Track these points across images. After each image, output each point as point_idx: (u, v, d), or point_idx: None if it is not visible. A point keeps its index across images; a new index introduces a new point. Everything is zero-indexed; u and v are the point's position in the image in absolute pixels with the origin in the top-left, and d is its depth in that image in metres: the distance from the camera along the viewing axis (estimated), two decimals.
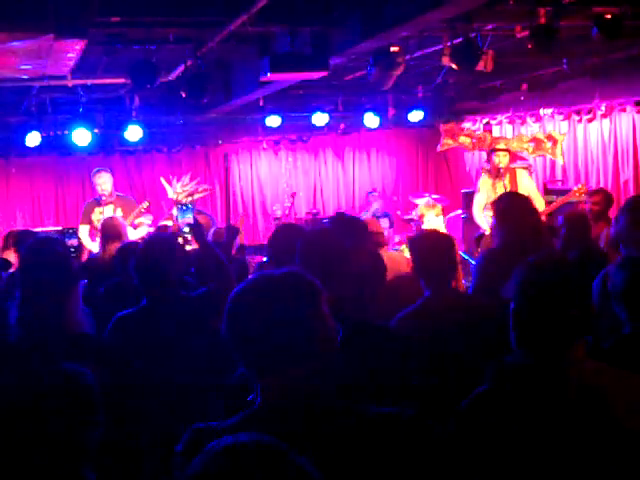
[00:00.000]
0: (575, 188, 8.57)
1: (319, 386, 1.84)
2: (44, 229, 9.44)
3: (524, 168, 9.57)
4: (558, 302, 2.15)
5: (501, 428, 2.12)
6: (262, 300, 1.85)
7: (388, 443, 1.79)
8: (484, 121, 12.23)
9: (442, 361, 3.33)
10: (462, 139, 10.56)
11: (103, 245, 6.22)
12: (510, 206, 4.65)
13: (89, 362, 2.96)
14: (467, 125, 12.57)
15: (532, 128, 11.19)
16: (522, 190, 8.56)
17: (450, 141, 10.68)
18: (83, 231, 8.52)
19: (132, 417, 3.30)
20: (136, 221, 8.50)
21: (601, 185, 10.07)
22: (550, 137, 10.04)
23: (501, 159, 8.73)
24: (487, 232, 8.50)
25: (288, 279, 1.90)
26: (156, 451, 3.21)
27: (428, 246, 3.82)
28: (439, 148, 10.93)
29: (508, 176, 8.74)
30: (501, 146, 9.05)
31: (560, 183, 10.34)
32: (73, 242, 6.49)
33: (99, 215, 8.29)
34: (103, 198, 8.74)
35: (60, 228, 9.63)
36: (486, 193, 8.80)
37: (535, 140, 10.13)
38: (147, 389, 3.42)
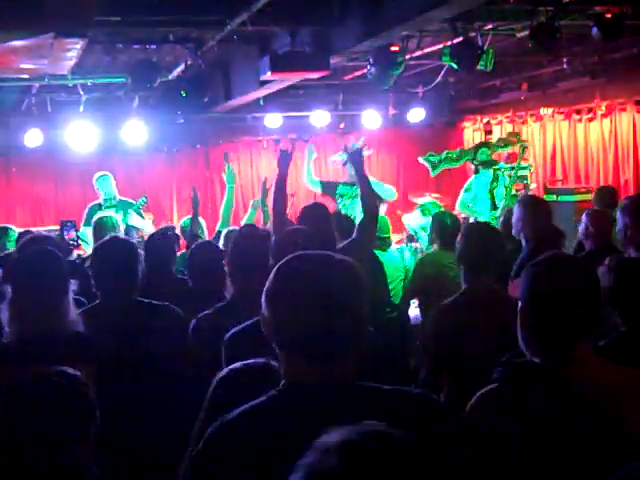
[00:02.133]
0: None
1: (344, 373, 1.81)
2: (45, 228, 9.44)
3: (522, 168, 9.69)
4: (567, 301, 2.15)
5: (508, 426, 2.12)
6: (311, 280, 1.79)
7: (405, 419, 1.77)
8: (484, 120, 12.23)
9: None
10: (444, 165, 10.77)
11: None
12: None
13: (84, 361, 2.97)
14: (468, 127, 12.59)
15: (532, 127, 11.20)
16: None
17: (436, 167, 10.91)
18: (86, 233, 8.54)
19: (130, 415, 3.30)
20: (138, 224, 8.55)
21: (601, 185, 10.08)
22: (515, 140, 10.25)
23: (482, 155, 9.06)
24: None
25: (343, 264, 1.85)
26: (157, 450, 3.21)
27: (475, 237, 3.79)
28: (432, 175, 11.11)
29: (492, 170, 8.99)
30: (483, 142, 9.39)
31: (560, 183, 10.35)
32: (71, 235, 6.50)
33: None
34: (106, 202, 8.79)
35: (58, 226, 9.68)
36: (474, 192, 9.09)
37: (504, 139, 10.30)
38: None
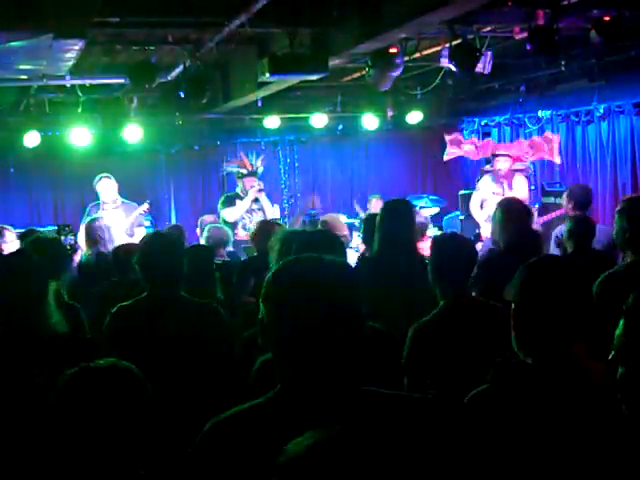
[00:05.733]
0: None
1: (340, 376, 1.79)
2: (43, 229, 9.42)
3: (521, 170, 9.71)
4: (558, 303, 2.16)
5: (499, 428, 2.12)
6: (306, 283, 1.77)
7: (404, 423, 1.77)
8: (482, 122, 12.23)
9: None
10: (467, 147, 10.83)
11: (89, 247, 6.30)
12: (512, 210, 4.89)
13: (66, 364, 2.97)
14: (466, 129, 12.60)
15: (530, 130, 11.20)
16: (516, 193, 8.81)
17: (456, 149, 10.98)
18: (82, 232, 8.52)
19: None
20: (136, 228, 8.54)
21: (599, 188, 10.09)
22: (546, 138, 10.18)
23: (502, 164, 9.07)
24: (482, 230, 8.76)
25: (335, 264, 1.84)
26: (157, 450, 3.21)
27: (445, 248, 3.72)
28: (445, 157, 11.24)
29: (506, 181, 9.01)
30: (502, 152, 9.38)
31: (558, 185, 10.35)
32: (70, 240, 6.50)
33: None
34: (107, 205, 8.75)
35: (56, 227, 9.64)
36: (484, 194, 9.09)
37: (534, 144, 10.24)
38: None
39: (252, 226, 8.88)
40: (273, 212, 9.58)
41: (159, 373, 3.51)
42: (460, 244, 3.80)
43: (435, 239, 3.97)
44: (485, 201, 9.25)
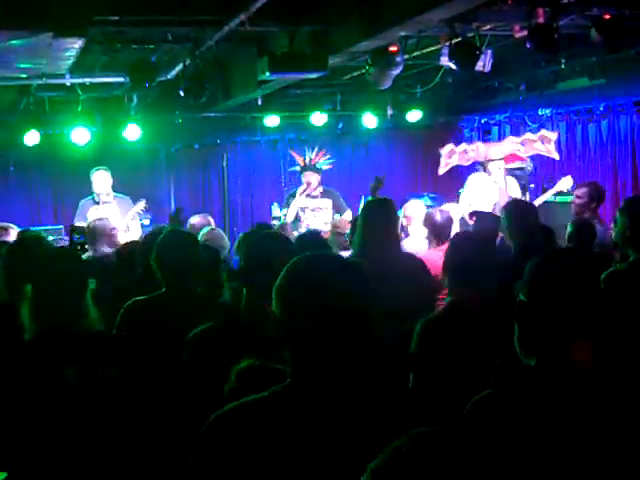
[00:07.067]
0: (564, 178, 8.83)
1: (349, 373, 1.81)
2: (43, 227, 9.42)
3: (520, 169, 9.73)
4: (566, 295, 2.14)
5: (505, 431, 2.11)
6: (317, 280, 1.81)
7: (412, 419, 1.77)
8: (482, 121, 12.23)
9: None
10: (456, 156, 10.88)
11: (92, 246, 6.28)
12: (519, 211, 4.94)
13: (105, 361, 3.00)
14: (466, 128, 12.60)
15: (531, 128, 11.20)
16: (510, 193, 8.84)
17: (449, 161, 11.03)
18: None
19: (149, 412, 3.31)
20: (130, 223, 8.52)
21: None
22: (543, 137, 10.20)
23: (495, 169, 9.06)
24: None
25: (350, 266, 1.90)
26: (175, 446, 3.22)
27: (461, 247, 3.68)
28: (441, 171, 11.26)
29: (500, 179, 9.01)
30: (496, 155, 9.41)
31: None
32: (80, 239, 6.51)
33: (95, 214, 8.26)
34: (100, 197, 8.74)
35: (62, 226, 9.63)
36: (475, 192, 9.06)
37: (527, 141, 10.26)
38: (164, 383, 3.44)
39: (304, 226, 8.66)
40: (341, 213, 8.90)
41: (171, 369, 3.52)
42: (477, 244, 3.77)
43: (453, 237, 3.96)
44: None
